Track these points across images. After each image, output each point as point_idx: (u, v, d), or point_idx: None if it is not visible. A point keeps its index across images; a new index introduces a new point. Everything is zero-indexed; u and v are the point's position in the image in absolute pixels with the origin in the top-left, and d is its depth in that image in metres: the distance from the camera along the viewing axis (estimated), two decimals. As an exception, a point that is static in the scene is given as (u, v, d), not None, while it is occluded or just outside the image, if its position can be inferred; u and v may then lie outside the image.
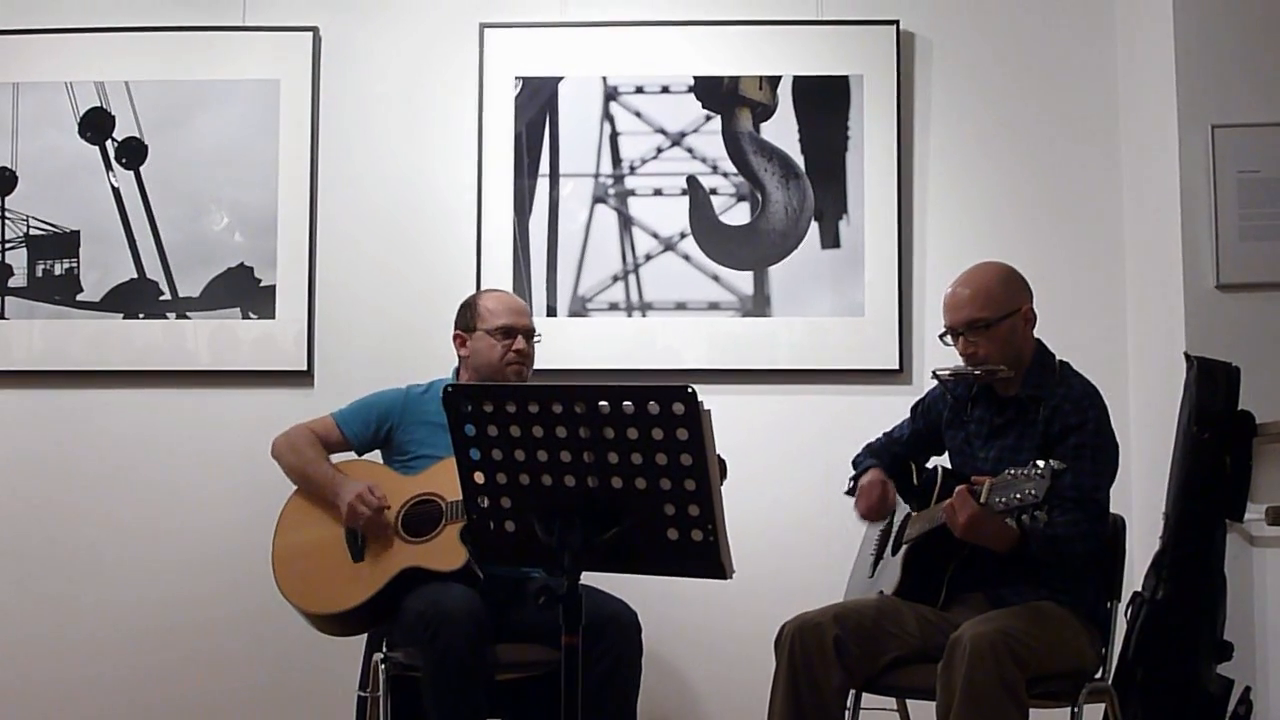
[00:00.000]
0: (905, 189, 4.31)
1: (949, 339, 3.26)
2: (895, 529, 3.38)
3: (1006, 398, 3.25)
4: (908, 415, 3.56)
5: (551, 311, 4.31)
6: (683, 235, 4.35)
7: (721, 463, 2.93)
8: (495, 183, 4.35)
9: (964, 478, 3.19)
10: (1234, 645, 3.50)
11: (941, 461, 3.43)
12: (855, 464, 3.54)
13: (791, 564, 4.14)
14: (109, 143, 4.39)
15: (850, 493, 3.50)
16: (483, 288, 4.17)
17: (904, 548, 3.27)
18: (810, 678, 3.04)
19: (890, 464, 3.46)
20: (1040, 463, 2.85)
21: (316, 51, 4.40)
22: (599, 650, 3.27)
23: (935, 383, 3.41)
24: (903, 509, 3.41)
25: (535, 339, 3.70)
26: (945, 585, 3.20)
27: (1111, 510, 3.31)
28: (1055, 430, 3.13)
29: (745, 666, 3.61)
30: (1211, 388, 3.57)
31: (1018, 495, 2.86)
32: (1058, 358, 3.28)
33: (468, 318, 3.71)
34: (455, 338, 3.72)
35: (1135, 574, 3.59)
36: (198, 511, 4.30)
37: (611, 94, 4.39)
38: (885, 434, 3.57)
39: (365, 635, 3.59)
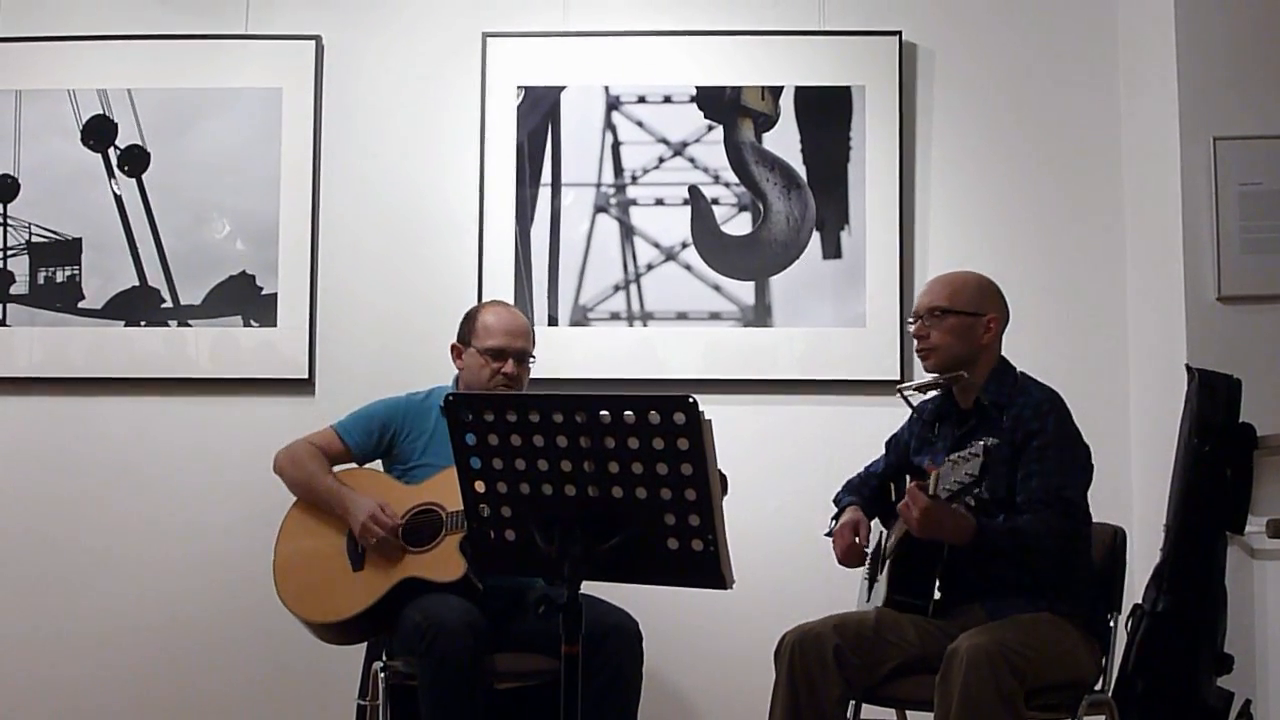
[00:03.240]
0: (907, 200, 4.31)
1: (912, 325, 3.31)
2: (882, 550, 3.36)
3: (967, 409, 3.27)
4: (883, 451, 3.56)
5: (553, 321, 4.31)
6: (684, 245, 4.35)
7: (723, 477, 2.92)
8: (497, 192, 4.35)
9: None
10: (1234, 658, 3.50)
11: None
12: (836, 502, 3.53)
13: (792, 574, 4.13)
14: (111, 150, 4.40)
15: (830, 534, 3.48)
16: (486, 298, 4.17)
17: (887, 563, 3.27)
18: (810, 688, 3.03)
19: (869, 499, 3.46)
20: (977, 443, 2.90)
21: (319, 60, 4.40)
22: (599, 660, 3.27)
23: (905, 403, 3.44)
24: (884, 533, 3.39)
25: (530, 360, 3.68)
26: (935, 592, 3.19)
27: (1112, 522, 3.31)
28: (1019, 438, 3.15)
29: (745, 676, 3.61)
30: (1212, 400, 3.57)
31: (957, 479, 2.90)
32: (1018, 370, 3.29)
33: (465, 331, 3.69)
34: (453, 348, 3.71)
35: (1135, 586, 3.58)
36: (199, 519, 4.30)
37: (613, 103, 4.39)
38: (865, 468, 3.56)
39: (365, 643, 3.59)
